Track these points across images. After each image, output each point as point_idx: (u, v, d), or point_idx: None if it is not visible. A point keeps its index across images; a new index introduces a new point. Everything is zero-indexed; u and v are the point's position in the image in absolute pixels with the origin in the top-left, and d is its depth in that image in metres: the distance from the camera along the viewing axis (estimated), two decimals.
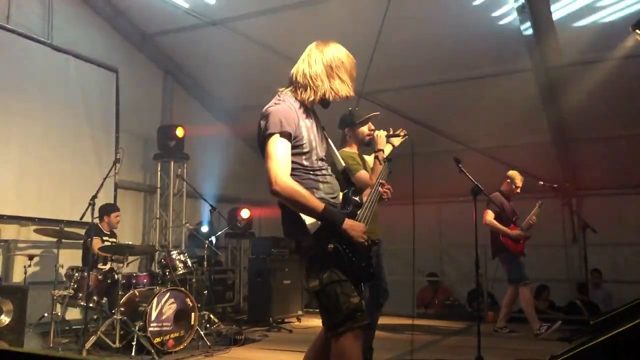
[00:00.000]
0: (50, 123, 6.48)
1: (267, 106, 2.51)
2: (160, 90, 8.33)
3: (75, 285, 5.28)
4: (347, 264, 2.40)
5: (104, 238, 5.95)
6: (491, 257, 6.50)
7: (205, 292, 6.43)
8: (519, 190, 6.47)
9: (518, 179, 6.46)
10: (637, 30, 4.83)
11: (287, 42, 7.08)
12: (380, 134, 3.78)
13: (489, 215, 6.24)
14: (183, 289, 5.60)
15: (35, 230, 5.56)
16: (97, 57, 7.10)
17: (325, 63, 2.52)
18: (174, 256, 5.86)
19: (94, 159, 6.79)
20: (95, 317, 5.58)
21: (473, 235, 4.62)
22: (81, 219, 5.46)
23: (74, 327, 5.81)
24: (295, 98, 2.54)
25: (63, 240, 5.33)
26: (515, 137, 7.83)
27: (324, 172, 2.57)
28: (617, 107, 7.02)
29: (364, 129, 3.97)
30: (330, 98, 2.53)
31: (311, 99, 2.52)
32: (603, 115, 7.25)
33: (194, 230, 7.22)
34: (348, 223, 2.40)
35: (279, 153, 2.37)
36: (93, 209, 5.22)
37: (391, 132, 3.82)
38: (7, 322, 4.61)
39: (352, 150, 4.01)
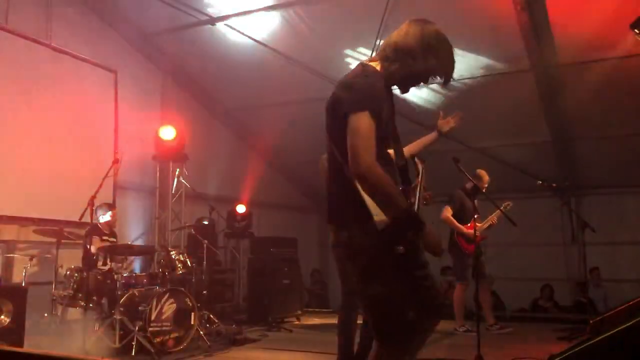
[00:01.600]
0: (49, 123, 6.47)
1: (350, 76, 2.30)
2: (159, 90, 8.32)
3: (75, 286, 5.28)
4: (413, 273, 2.21)
5: (104, 237, 5.94)
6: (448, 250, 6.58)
7: (205, 291, 6.43)
8: (484, 190, 6.48)
9: (485, 179, 6.45)
10: (636, 30, 4.84)
11: (286, 41, 7.09)
12: None
13: (447, 212, 6.33)
14: (182, 288, 5.60)
15: (35, 231, 5.56)
16: (96, 58, 7.09)
17: (423, 37, 2.29)
18: (173, 256, 5.86)
19: (93, 159, 6.78)
20: (95, 317, 5.57)
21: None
22: (80, 219, 5.46)
23: (73, 327, 5.81)
24: (381, 75, 2.31)
25: (62, 241, 5.33)
26: (515, 137, 7.85)
27: (390, 162, 2.34)
28: (616, 106, 7.03)
29: None
30: (421, 79, 2.33)
31: (398, 75, 2.31)
32: (602, 115, 7.26)
33: (192, 230, 7.22)
34: (429, 230, 2.17)
35: (368, 131, 2.12)
36: (92, 209, 5.22)
37: None
38: (6, 323, 4.61)
39: None
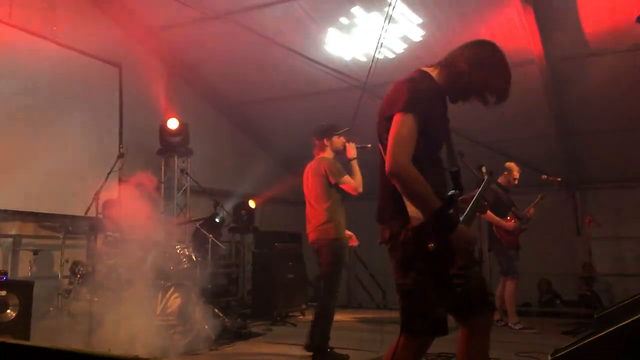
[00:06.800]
0: (54, 118, 6.48)
1: (404, 78, 2.38)
2: (164, 85, 8.32)
3: (80, 280, 5.31)
4: (444, 271, 2.20)
5: (108, 233, 5.95)
6: (488, 249, 6.52)
7: (209, 286, 6.44)
8: (516, 182, 6.47)
9: (515, 171, 6.47)
10: None
11: (290, 36, 7.08)
12: (352, 145, 4.60)
13: None
14: (187, 283, 5.62)
15: (40, 225, 5.58)
16: (100, 53, 7.10)
17: (479, 53, 2.40)
18: (178, 250, 5.87)
19: (98, 154, 6.80)
20: (100, 311, 5.59)
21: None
22: (86, 213, 5.48)
23: (79, 321, 5.83)
24: (435, 82, 2.39)
25: (68, 235, 5.36)
26: (519, 131, 7.81)
27: (438, 165, 2.40)
28: (622, 99, 6.98)
29: (340, 140, 4.70)
30: (471, 93, 2.43)
31: (450, 84, 2.40)
32: (607, 108, 7.22)
33: (198, 225, 7.22)
34: (460, 230, 2.20)
35: (408, 133, 2.20)
36: (97, 204, 5.23)
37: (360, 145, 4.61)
38: (13, 316, 4.64)
39: (332, 157, 4.72)
